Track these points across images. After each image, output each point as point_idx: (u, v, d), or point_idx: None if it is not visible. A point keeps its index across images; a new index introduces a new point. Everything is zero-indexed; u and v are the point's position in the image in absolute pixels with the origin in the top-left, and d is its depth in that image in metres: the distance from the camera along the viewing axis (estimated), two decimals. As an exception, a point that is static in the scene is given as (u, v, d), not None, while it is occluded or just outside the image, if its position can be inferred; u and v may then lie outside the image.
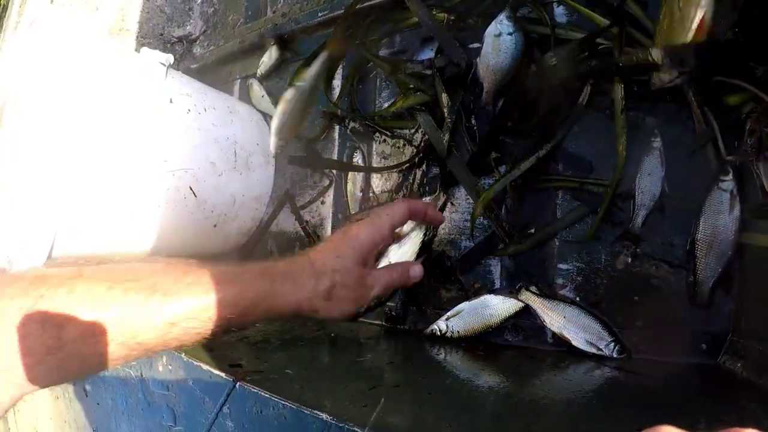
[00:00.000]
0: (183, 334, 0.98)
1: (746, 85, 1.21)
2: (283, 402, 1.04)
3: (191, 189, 1.71)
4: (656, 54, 1.24)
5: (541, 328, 1.42)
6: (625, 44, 1.31)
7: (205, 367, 1.23)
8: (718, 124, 1.25)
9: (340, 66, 1.94)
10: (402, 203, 1.29)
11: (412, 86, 1.62)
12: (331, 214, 1.91)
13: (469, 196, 1.57)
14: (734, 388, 1.16)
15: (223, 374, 1.18)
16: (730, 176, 1.22)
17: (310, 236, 1.96)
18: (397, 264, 1.35)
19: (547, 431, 0.95)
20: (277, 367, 1.23)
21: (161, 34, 2.57)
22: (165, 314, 0.94)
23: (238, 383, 1.14)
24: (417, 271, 1.32)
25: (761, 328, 1.18)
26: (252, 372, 1.19)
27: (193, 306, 0.98)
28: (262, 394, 1.08)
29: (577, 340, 1.34)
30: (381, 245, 1.29)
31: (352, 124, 1.85)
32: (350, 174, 1.85)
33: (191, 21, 2.57)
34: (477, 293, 1.51)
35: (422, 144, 1.65)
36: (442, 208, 1.57)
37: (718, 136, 1.25)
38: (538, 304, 1.39)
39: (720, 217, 1.23)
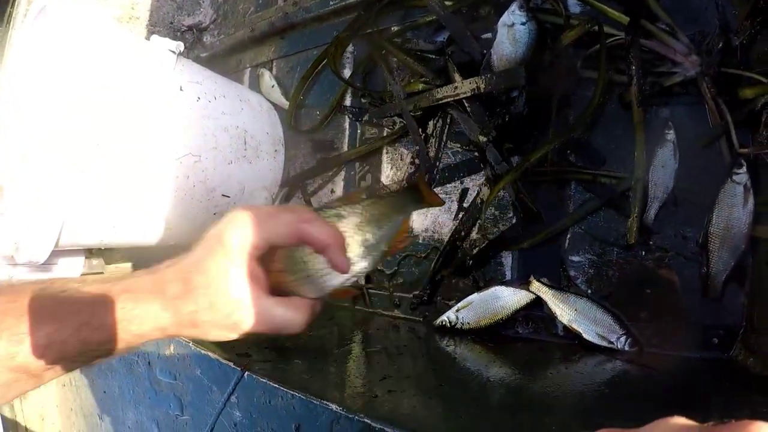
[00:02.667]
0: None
1: (762, 78, 1.20)
2: (292, 392, 1.03)
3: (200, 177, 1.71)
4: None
5: (551, 320, 1.41)
6: (639, 36, 1.31)
7: (213, 356, 1.22)
8: (732, 117, 1.24)
9: (351, 56, 1.94)
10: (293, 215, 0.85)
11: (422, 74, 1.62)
12: (341, 204, 1.90)
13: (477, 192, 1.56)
14: (747, 383, 1.15)
15: (231, 363, 1.18)
16: (744, 169, 1.20)
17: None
18: (302, 303, 0.89)
19: (559, 424, 0.94)
20: (285, 357, 1.23)
21: (171, 23, 2.56)
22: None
23: (246, 373, 1.13)
24: (318, 309, 0.93)
25: (775, 322, 1.18)
26: (260, 361, 1.18)
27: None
28: (271, 383, 1.07)
29: (588, 333, 1.33)
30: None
31: (365, 117, 1.84)
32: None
33: (201, 9, 2.56)
34: (488, 284, 1.50)
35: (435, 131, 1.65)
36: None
37: (731, 128, 1.24)
38: (550, 296, 1.38)
39: (733, 210, 1.22)
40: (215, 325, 0.82)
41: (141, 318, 0.79)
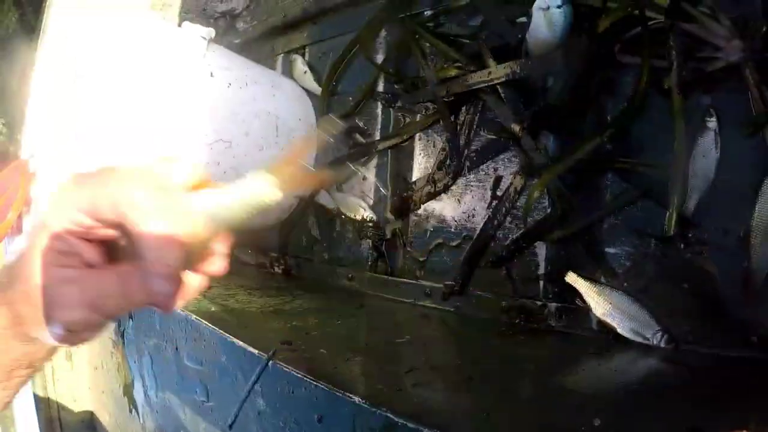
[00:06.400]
0: None
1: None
2: (315, 383, 1.02)
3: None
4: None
5: (585, 313, 1.37)
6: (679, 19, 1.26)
7: (239, 343, 1.22)
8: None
9: (384, 41, 1.91)
10: None
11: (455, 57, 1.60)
12: (372, 191, 1.88)
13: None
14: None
15: (256, 351, 1.17)
16: (790, 160, 1.16)
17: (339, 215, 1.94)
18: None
19: (592, 425, 0.91)
20: (311, 346, 1.22)
21: (204, 9, 2.56)
22: None
23: (270, 362, 1.13)
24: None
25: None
26: (286, 350, 1.17)
27: None
28: (295, 373, 1.07)
29: (623, 328, 1.29)
30: None
31: (398, 103, 1.82)
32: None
33: (234, -4, 2.56)
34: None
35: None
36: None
37: (776, 116, 1.19)
38: (585, 288, 1.35)
39: (778, 203, 1.17)
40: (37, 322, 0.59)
41: None
